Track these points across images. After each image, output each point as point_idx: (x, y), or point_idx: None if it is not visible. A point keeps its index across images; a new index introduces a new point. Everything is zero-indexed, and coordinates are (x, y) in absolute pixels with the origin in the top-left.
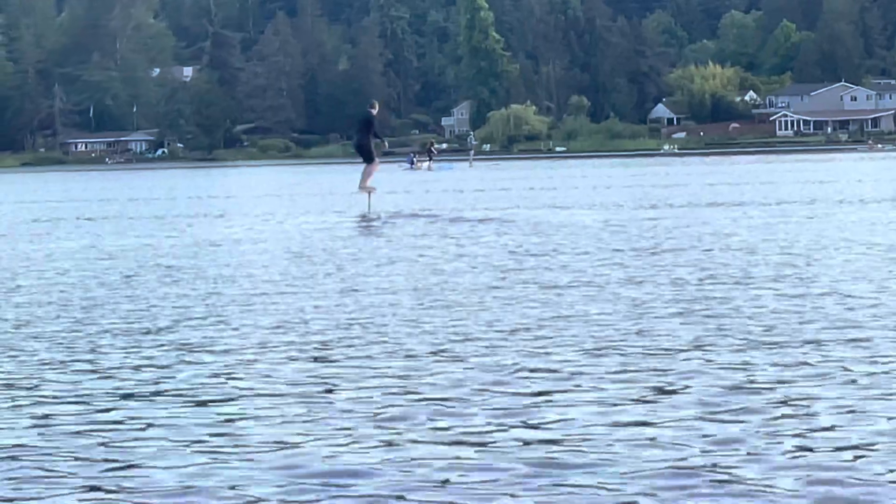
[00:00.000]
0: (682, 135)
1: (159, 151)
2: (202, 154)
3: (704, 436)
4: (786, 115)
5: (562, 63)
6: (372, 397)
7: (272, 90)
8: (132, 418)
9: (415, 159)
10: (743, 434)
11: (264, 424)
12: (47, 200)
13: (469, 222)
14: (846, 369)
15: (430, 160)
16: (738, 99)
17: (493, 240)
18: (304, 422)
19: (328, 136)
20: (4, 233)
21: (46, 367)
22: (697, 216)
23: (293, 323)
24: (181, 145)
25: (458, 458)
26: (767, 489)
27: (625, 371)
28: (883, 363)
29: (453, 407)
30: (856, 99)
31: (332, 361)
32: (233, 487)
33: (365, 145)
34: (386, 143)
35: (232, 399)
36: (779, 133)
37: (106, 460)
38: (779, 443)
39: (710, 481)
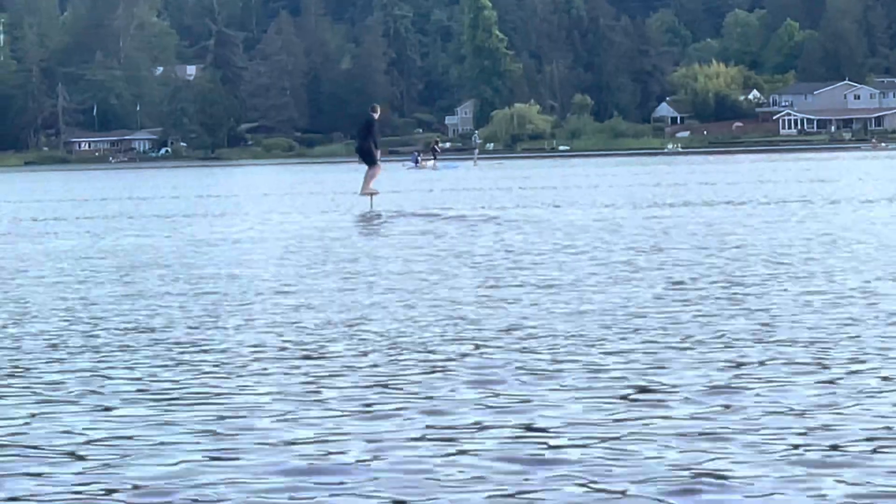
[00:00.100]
0: (686, 134)
1: (163, 150)
2: (205, 153)
3: (703, 433)
4: (789, 114)
5: (565, 62)
6: (365, 396)
7: (275, 89)
8: (129, 416)
9: (419, 158)
10: (741, 431)
11: (259, 421)
12: (48, 199)
13: (470, 221)
14: (847, 366)
15: (434, 159)
16: (741, 98)
17: (493, 239)
18: (301, 420)
19: (331, 135)
20: (4, 232)
21: (43, 363)
22: (696, 215)
23: (290, 321)
24: (184, 144)
25: (451, 454)
26: (766, 486)
27: (621, 369)
28: (875, 359)
29: (448, 404)
30: (859, 98)
31: (327, 360)
32: (231, 485)
33: (366, 149)
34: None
35: (227, 396)
36: (782, 132)
37: (100, 457)
38: (776, 441)
39: (708, 479)
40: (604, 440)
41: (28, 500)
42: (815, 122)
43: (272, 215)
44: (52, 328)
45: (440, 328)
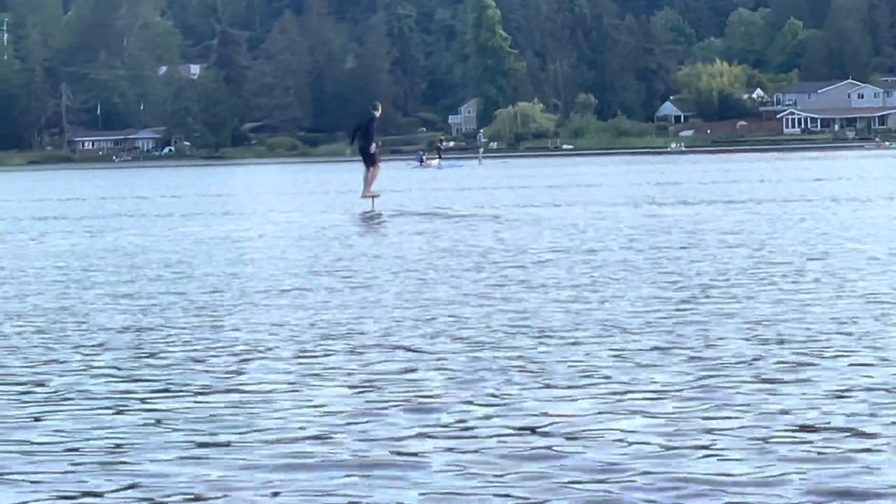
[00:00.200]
0: (690, 132)
1: (166, 150)
2: (209, 152)
3: (701, 430)
4: (793, 113)
5: (569, 61)
6: (359, 394)
7: (279, 88)
8: (127, 412)
9: (424, 157)
10: (739, 428)
11: (255, 419)
12: (48, 198)
13: (471, 220)
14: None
15: (439, 158)
16: (745, 96)
17: (492, 238)
18: (298, 417)
19: (335, 135)
20: (5, 231)
21: (43, 361)
22: (692, 214)
23: (287, 320)
24: (188, 143)
25: (451, 449)
26: (764, 482)
27: (615, 368)
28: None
29: (441, 402)
30: (863, 97)
31: (322, 358)
32: (228, 484)
33: (367, 148)
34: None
35: (222, 395)
36: (786, 131)
37: (98, 454)
38: (775, 437)
39: (705, 476)
40: (605, 437)
41: (24, 492)
42: (818, 121)
43: (272, 214)
44: (52, 324)
45: (434, 327)
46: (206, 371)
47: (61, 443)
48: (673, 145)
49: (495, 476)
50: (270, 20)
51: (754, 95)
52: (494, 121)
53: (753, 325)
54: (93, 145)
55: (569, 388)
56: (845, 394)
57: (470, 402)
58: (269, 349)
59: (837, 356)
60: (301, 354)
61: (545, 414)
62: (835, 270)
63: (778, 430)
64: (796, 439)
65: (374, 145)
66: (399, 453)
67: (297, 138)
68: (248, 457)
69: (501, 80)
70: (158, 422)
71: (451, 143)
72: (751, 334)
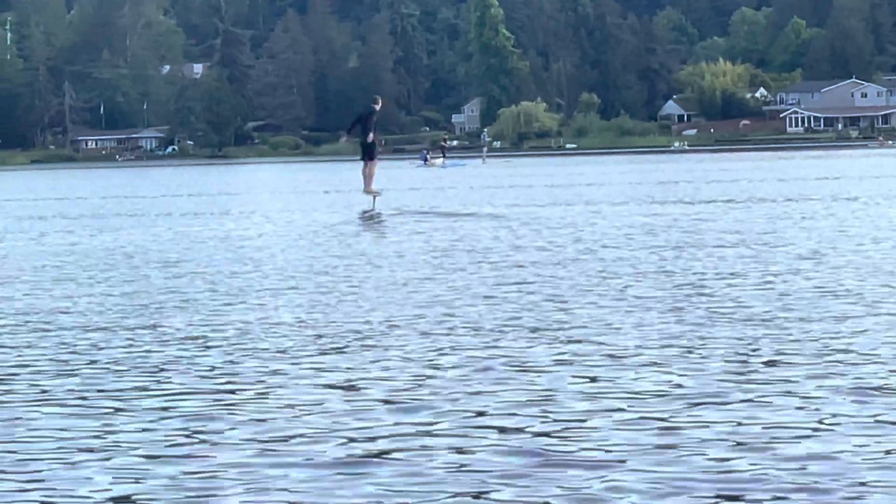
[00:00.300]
0: (693, 132)
1: (169, 149)
2: (212, 151)
3: (699, 426)
4: (796, 112)
5: (572, 60)
6: (346, 392)
7: (282, 88)
8: (126, 411)
9: (428, 156)
10: (737, 425)
11: (245, 417)
12: (50, 198)
13: (472, 220)
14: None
15: (443, 157)
16: (748, 96)
17: (491, 237)
18: (296, 416)
19: (338, 134)
20: (4, 230)
21: (43, 358)
22: (692, 214)
23: (284, 320)
24: (191, 143)
25: (449, 448)
26: (763, 479)
27: (612, 367)
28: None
29: (431, 402)
30: (866, 95)
31: (317, 357)
32: (224, 481)
33: (369, 143)
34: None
35: (220, 393)
36: (789, 130)
37: (85, 452)
38: (775, 434)
39: (704, 474)
40: (604, 434)
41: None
42: (821, 120)
43: (272, 214)
44: (51, 322)
45: (428, 326)
46: (196, 369)
47: (48, 440)
48: (676, 144)
49: (486, 473)
50: (273, 19)
51: (757, 95)
52: (497, 120)
53: (751, 325)
54: (96, 144)
55: (566, 386)
56: (843, 393)
57: (465, 401)
58: (263, 349)
59: (827, 352)
60: (294, 353)
61: (541, 413)
62: (832, 269)
63: (785, 427)
64: (796, 436)
65: (371, 135)
66: (397, 451)
67: (300, 137)
68: (236, 455)
69: (504, 80)
70: (147, 419)
71: (455, 143)
72: (745, 333)
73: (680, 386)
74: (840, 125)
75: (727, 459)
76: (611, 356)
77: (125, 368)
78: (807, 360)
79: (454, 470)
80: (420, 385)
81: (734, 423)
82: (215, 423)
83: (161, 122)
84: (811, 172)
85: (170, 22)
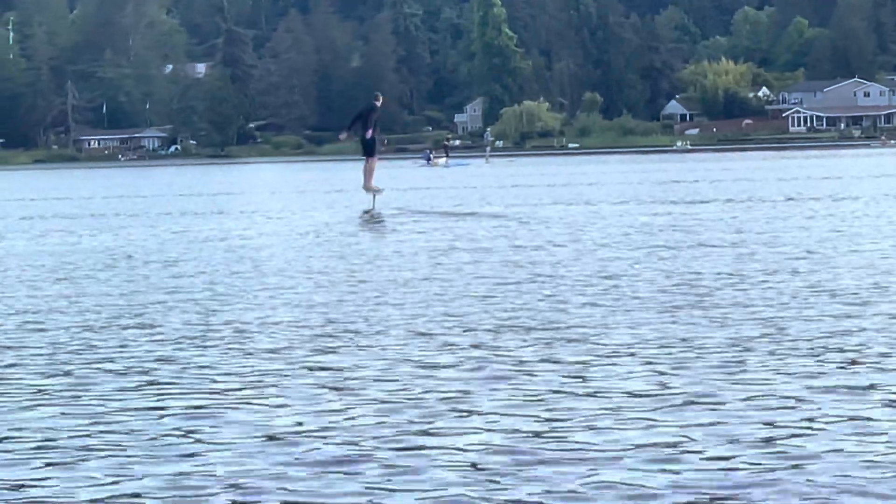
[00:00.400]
0: (695, 131)
1: (172, 148)
2: (215, 151)
3: (699, 424)
4: (799, 112)
5: (574, 59)
6: (346, 391)
7: (285, 87)
8: (127, 410)
9: (431, 156)
10: (732, 425)
11: (246, 415)
12: (51, 198)
13: (471, 219)
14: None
15: (446, 156)
16: (750, 95)
17: (492, 237)
18: (293, 414)
19: (338, 132)
20: (5, 230)
21: (39, 357)
22: (696, 213)
23: (280, 319)
24: (194, 142)
25: (455, 446)
26: (759, 478)
27: (608, 365)
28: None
29: (424, 401)
30: (869, 95)
31: (318, 356)
32: (226, 478)
33: (370, 140)
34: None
35: (218, 391)
36: (791, 129)
37: (91, 451)
38: (770, 434)
39: (699, 474)
40: (602, 431)
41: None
42: (824, 120)
43: (272, 213)
44: (54, 320)
45: (423, 325)
46: (195, 366)
47: (42, 439)
48: (678, 144)
49: (484, 472)
50: (276, 19)
51: (760, 94)
52: (500, 119)
53: (747, 325)
54: (98, 144)
55: (561, 386)
56: (842, 393)
57: (461, 400)
58: (261, 349)
59: (824, 351)
60: (293, 353)
61: (536, 412)
62: (830, 268)
63: (783, 426)
64: (798, 435)
65: (370, 131)
66: (395, 451)
67: (302, 137)
68: (233, 455)
69: (507, 79)
70: (148, 419)
71: (457, 142)
72: (741, 333)
73: (676, 386)
74: (842, 125)
75: (724, 458)
76: (606, 355)
77: (121, 368)
78: (804, 360)
79: (450, 469)
80: (419, 385)
81: (730, 423)
82: (211, 422)
83: (164, 121)
84: (813, 172)
85: (172, 21)
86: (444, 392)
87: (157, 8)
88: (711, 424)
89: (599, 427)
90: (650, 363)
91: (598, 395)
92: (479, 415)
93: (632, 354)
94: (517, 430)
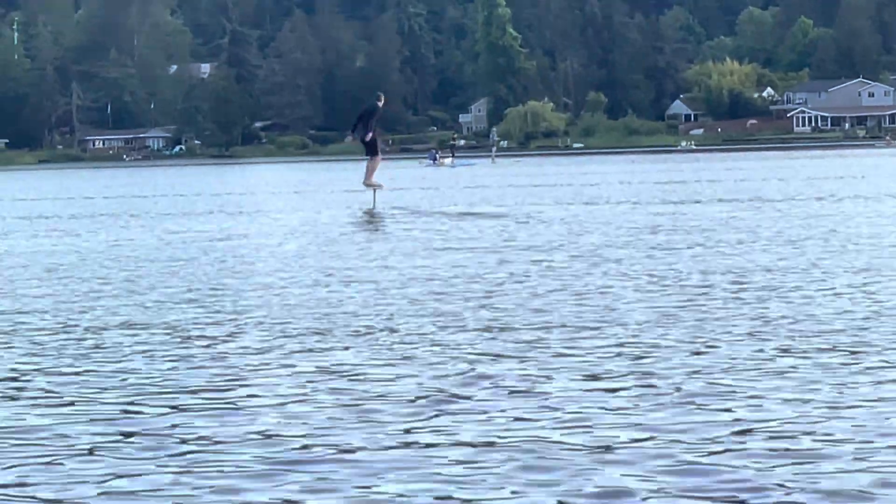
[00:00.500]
0: (700, 131)
1: (177, 148)
2: (219, 151)
3: (697, 423)
4: (803, 112)
5: (579, 59)
6: (329, 391)
7: (289, 87)
8: (129, 411)
9: (437, 156)
10: (739, 422)
11: (244, 415)
12: (53, 198)
13: (472, 219)
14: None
15: (452, 156)
16: (755, 95)
17: (490, 236)
18: (290, 414)
19: (345, 133)
20: (6, 229)
21: (42, 357)
22: (689, 213)
23: (281, 317)
24: (199, 142)
25: (451, 443)
26: (766, 476)
27: (606, 365)
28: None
29: (420, 399)
30: (873, 95)
31: (307, 354)
32: (222, 478)
33: (371, 140)
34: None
35: (216, 392)
36: (796, 129)
37: (87, 450)
38: (778, 430)
39: (705, 472)
40: (604, 432)
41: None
42: (829, 120)
43: (274, 213)
44: (53, 320)
45: (420, 324)
46: (193, 364)
47: (38, 441)
48: (683, 144)
49: (483, 471)
50: (281, 19)
51: (764, 94)
52: (504, 119)
53: (752, 323)
54: (103, 144)
55: (560, 385)
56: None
57: (459, 399)
58: (254, 347)
59: (830, 349)
60: (292, 352)
61: (535, 410)
62: (832, 266)
63: (780, 424)
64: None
65: (370, 133)
66: (393, 450)
67: (307, 137)
68: (230, 454)
69: (511, 79)
70: (136, 419)
71: (462, 142)
72: (743, 332)
73: (675, 384)
74: (847, 125)
75: (729, 450)
76: (606, 354)
77: (119, 367)
78: (809, 357)
79: (448, 466)
80: (417, 384)
81: (735, 420)
82: (206, 422)
83: (168, 121)
84: (817, 172)
85: (177, 22)
86: (440, 391)
87: (162, 8)
88: (712, 424)
89: (599, 426)
90: (649, 363)
91: (598, 394)
92: (474, 413)
93: (630, 354)
94: (514, 430)
